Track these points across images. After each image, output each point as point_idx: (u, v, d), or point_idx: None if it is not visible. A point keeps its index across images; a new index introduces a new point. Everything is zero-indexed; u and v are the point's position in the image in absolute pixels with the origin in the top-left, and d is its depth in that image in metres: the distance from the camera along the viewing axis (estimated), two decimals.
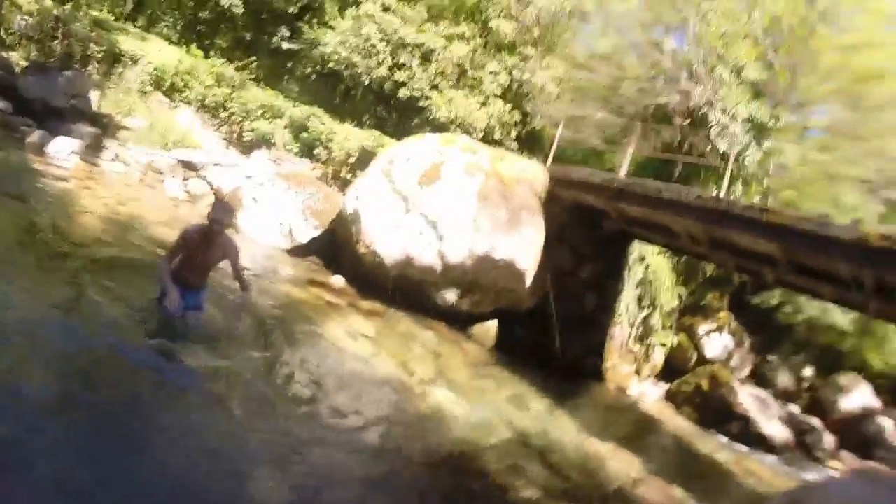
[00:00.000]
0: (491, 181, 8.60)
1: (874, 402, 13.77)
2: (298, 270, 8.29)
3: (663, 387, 12.00)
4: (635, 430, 8.49)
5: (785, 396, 14.05)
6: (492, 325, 8.94)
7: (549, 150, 10.69)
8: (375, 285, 8.14)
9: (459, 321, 8.56)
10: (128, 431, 3.22)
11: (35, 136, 9.75)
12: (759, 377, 14.21)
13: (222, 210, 4.28)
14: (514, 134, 13.07)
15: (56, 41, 14.00)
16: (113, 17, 16.92)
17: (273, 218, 9.10)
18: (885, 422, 13.09)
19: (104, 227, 6.76)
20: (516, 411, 6.47)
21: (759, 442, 10.43)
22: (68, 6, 15.69)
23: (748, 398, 11.31)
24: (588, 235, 9.93)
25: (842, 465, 11.44)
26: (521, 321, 9.10)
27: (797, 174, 13.62)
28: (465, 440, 5.09)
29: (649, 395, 11.38)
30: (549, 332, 9.46)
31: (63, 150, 9.55)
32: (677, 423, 10.24)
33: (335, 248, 8.93)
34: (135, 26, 17.56)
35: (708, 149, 11.82)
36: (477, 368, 7.45)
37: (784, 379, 14.73)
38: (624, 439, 7.36)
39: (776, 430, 10.95)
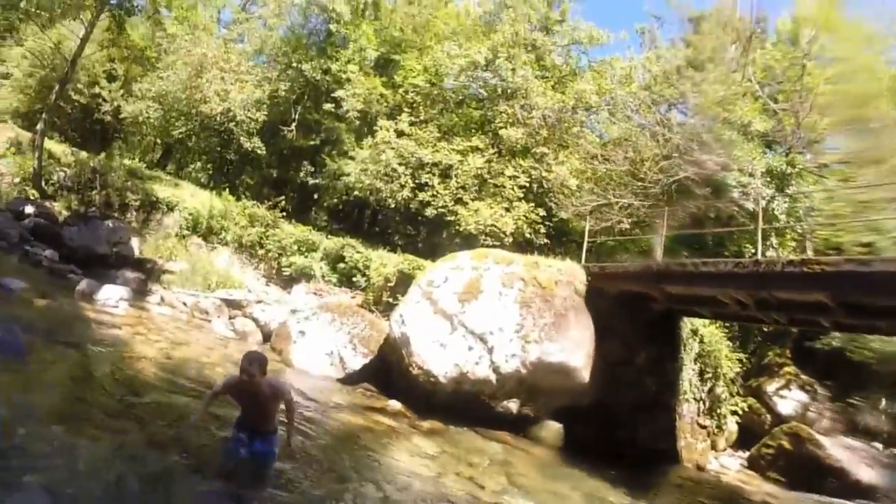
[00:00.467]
0: (530, 288, 8.72)
1: None
2: (354, 398, 8.33)
3: (743, 456, 11.36)
4: None
5: (880, 438, 12.99)
6: (558, 427, 8.76)
7: (581, 243, 10.72)
8: (432, 405, 8.11)
9: (522, 427, 8.42)
10: None
11: (83, 284, 10.10)
12: (845, 424, 13.22)
13: (248, 360, 4.24)
14: (542, 231, 13.21)
15: (94, 191, 14.87)
16: (144, 166, 18.00)
17: (321, 349, 9.26)
18: None
19: (159, 371, 6.93)
20: None
21: (860, 492, 9.66)
22: (102, 156, 16.75)
23: (837, 449, 10.55)
24: (637, 322, 9.86)
25: None
26: (585, 417, 8.87)
27: (828, 212, 13.41)
28: None
29: (730, 466, 10.78)
30: (616, 424, 9.16)
31: (112, 297, 9.89)
32: (765, 490, 9.65)
33: (386, 373, 8.98)
34: (165, 172, 18.58)
35: (735, 210, 11.81)
36: (547, 471, 7.28)
37: (872, 420, 13.59)
38: None
39: (877, 474, 10.12)
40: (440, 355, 8.21)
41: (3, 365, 5.31)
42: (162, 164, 20.69)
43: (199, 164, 19.95)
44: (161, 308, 10.72)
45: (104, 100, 19.62)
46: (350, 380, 9.01)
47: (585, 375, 8.59)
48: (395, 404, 8.21)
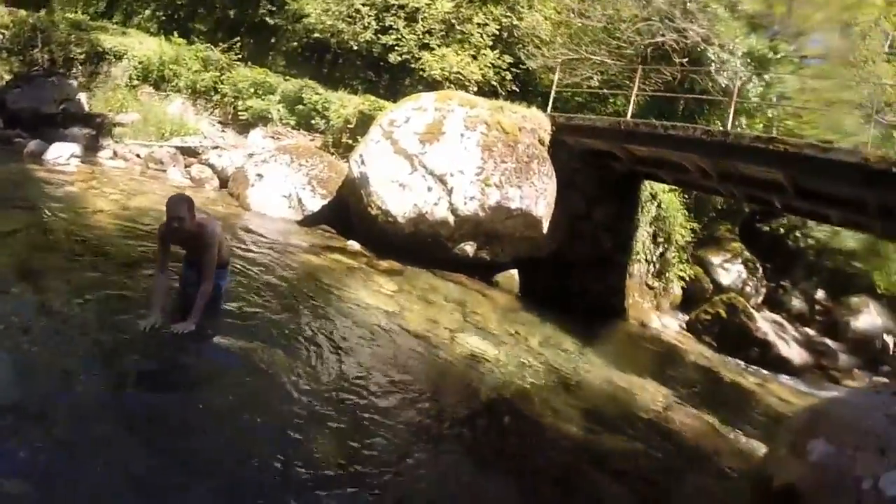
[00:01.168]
0: (493, 132, 8.56)
1: (884, 321, 14.06)
2: (313, 238, 8.33)
3: (683, 318, 12.10)
4: (660, 361, 8.60)
5: (799, 320, 14.37)
6: (515, 273, 8.99)
7: (548, 95, 10.52)
8: (391, 245, 8.17)
9: (481, 272, 8.59)
10: (179, 417, 3.26)
11: (31, 145, 9.80)
12: (773, 303, 14.45)
13: (175, 204, 3.92)
14: (509, 79, 12.84)
15: (36, 49, 13.84)
16: (88, 18, 16.64)
17: (279, 191, 9.10)
18: (891, 339, 13.59)
19: (116, 222, 6.78)
20: (547, 351, 6.56)
21: (778, 365, 10.59)
22: (42, 13, 15.44)
23: (765, 323, 11.51)
24: (599, 179, 9.93)
25: (857, 382, 11.66)
26: (542, 267, 9.12)
27: (798, 103, 13.59)
28: (500, 382, 5.15)
29: (670, 327, 11.48)
30: (570, 276, 9.52)
31: (62, 155, 9.57)
32: (699, 351, 10.34)
33: (346, 214, 8.94)
34: (112, 23, 17.27)
35: (709, 85, 11.69)
36: (504, 315, 7.50)
37: (797, 303, 15.06)
38: (650, 371, 7.52)
39: (794, 352, 11.16)
40: (399, 195, 8.15)
41: None
42: (107, 15, 19.11)
43: (147, 12, 18.48)
44: (114, 162, 10.49)
45: None
46: (309, 221, 8.97)
47: (545, 225, 8.72)
48: (353, 244, 8.25)
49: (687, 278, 12.57)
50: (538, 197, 8.54)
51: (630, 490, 4.08)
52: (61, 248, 5.52)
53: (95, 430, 2.94)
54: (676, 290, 12.43)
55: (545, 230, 8.80)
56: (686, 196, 12.78)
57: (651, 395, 6.42)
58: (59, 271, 4.82)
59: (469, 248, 8.45)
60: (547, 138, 9.12)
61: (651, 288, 11.65)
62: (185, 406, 3.40)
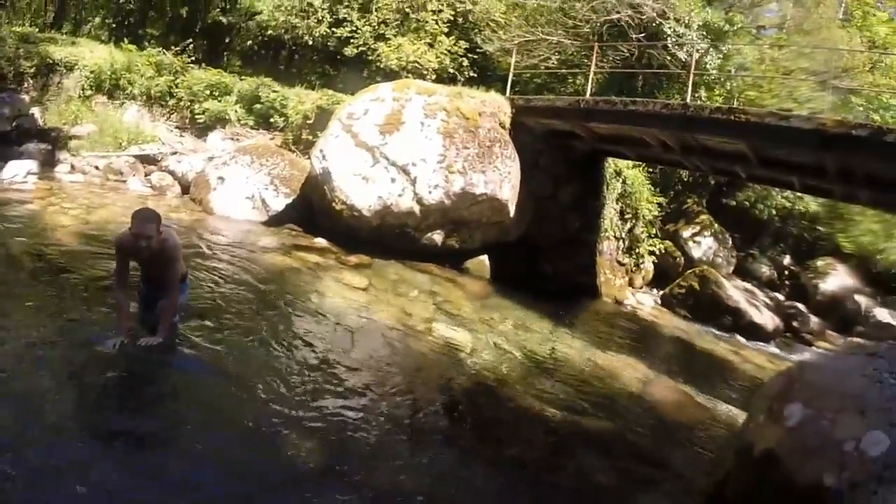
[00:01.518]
0: (453, 119, 8.51)
1: (851, 282, 14.37)
2: (279, 238, 8.23)
3: (657, 293, 12.24)
4: (636, 337, 8.65)
5: (769, 286, 14.79)
6: (485, 259, 9.01)
7: (506, 79, 10.54)
8: (358, 239, 8.12)
9: (450, 260, 8.59)
10: (153, 432, 3.21)
11: None
12: (743, 272, 14.75)
13: (142, 220, 3.70)
14: (466, 65, 12.79)
15: None
16: (36, 30, 16.21)
17: (242, 193, 8.97)
18: (861, 300, 13.81)
19: (78, 238, 6.62)
20: (522, 335, 6.57)
21: (751, 331, 10.83)
22: None
23: (736, 291, 11.77)
24: (562, 159, 9.97)
25: (829, 343, 11.96)
26: (512, 251, 9.15)
27: (756, 73, 13.82)
28: (477, 369, 5.13)
29: (645, 303, 11.60)
30: (540, 258, 9.56)
31: (18, 174, 9.33)
32: (675, 324, 10.49)
33: (311, 211, 8.85)
34: (61, 34, 16.87)
35: (667, 59, 11.79)
36: (476, 301, 7.49)
37: (766, 270, 15.48)
38: (627, 347, 7.60)
39: (765, 318, 11.39)
40: (363, 189, 8.08)
41: None
42: (56, 25, 18.66)
43: (97, 19, 18.15)
44: (72, 176, 10.27)
45: None
46: (274, 221, 8.88)
47: (511, 209, 8.72)
48: (321, 241, 8.18)
49: (658, 253, 12.69)
50: (502, 181, 8.53)
51: (615, 467, 4.10)
52: (23, 267, 5.39)
53: (70, 452, 2.88)
54: (648, 265, 12.55)
55: (512, 214, 8.81)
56: (651, 171, 12.89)
57: (630, 371, 6.46)
58: (20, 293, 4.70)
59: (437, 237, 8.42)
60: (508, 121, 9.10)
61: (622, 265, 11.75)
62: (158, 420, 3.37)
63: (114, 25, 17.35)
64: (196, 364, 3.95)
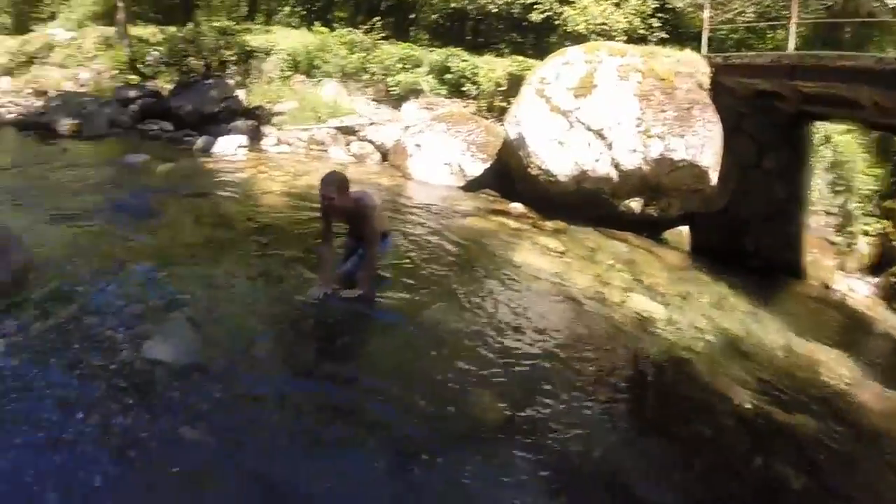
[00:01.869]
0: (648, 80, 8.16)
1: None
2: (476, 203, 8.47)
3: (874, 281, 10.78)
4: (845, 329, 7.61)
5: None
6: (684, 230, 8.60)
7: (700, 38, 9.82)
8: (554, 205, 8.11)
9: (648, 229, 8.31)
10: (348, 374, 3.51)
11: (200, 141, 10.67)
12: None
13: (325, 184, 4.10)
14: (656, 26, 12.15)
15: (190, 58, 15.33)
16: (233, 23, 18.08)
17: (439, 159, 9.34)
18: None
19: (285, 200, 7.27)
20: (719, 314, 6.10)
21: None
22: (189, 26, 17.00)
23: None
24: (766, 123, 9.05)
25: None
26: (713, 222, 8.61)
27: None
28: (671, 345, 4.91)
29: (857, 290, 10.24)
30: (743, 231, 8.88)
31: (229, 147, 10.30)
32: (893, 321, 9.14)
33: (507, 176, 8.97)
34: (255, 24, 18.64)
35: (876, 5, 10.30)
36: (674, 273, 7.14)
37: None
38: (833, 339, 6.56)
39: None
40: (559, 154, 8.04)
41: (139, 227, 5.76)
42: (250, 18, 20.71)
43: (286, 8, 19.75)
44: (278, 147, 11.17)
45: None
46: (471, 186, 9.14)
47: (713, 177, 8.20)
48: (517, 206, 8.31)
49: (875, 233, 11.18)
50: (703, 146, 8.03)
51: (805, 470, 3.71)
52: (236, 227, 6.12)
53: (272, 386, 3.27)
54: (863, 247, 11.10)
55: (713, 182, 8.26)
56: (867, 137, 11.35)
57: (833, 367, 5.64)
58: (235, 248, 5.37)
59: (635, 204, 8.18)
60: (706, 81, 8.50)
61: (832, 244, 10.53)
62: (353, 363, 3.67)
63: (303, 12, 18.83)
64: (392, 316, 4.21)
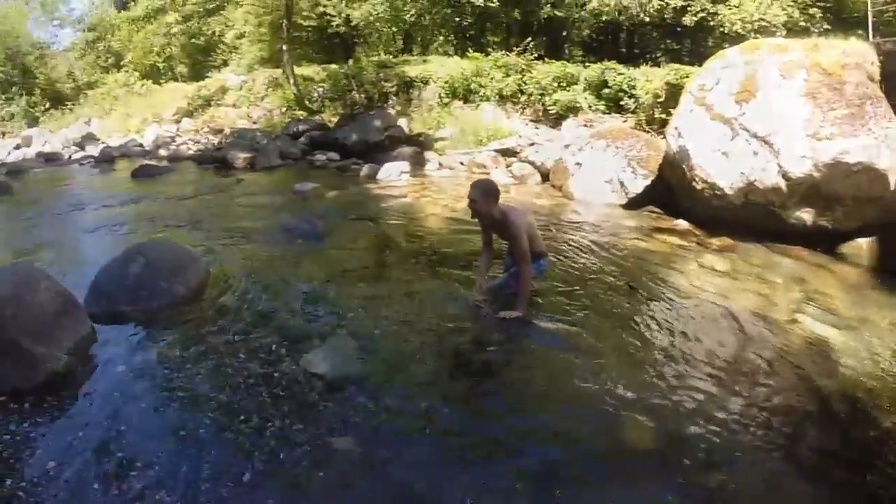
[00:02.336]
0: (813, 76, 7.70)
1: None
2: (639, 221, 8.47)
3: None
4: None
5: None
6: (864, 243, 7.71)
7: (866, 24, 9.12)
8: (721, 220, 7.94)
9: (822, 243, 7.67)
10: (500, 396, 3.70)
11: (365, 169, 11.72)
12: None
13: (471, 188, 4.44)
14: (818, 16, 11.48)
15: (353, 92, 16.95)
16: (391, 57, 19.51)
17: (600, 177, 9.45)
18: None
19: (445, 223, 7.72)
20: None
21: None
22: (350, 63, 18.62)
23: None
24: None
25: None
26: None
27: None
28: (845, 374, 4.39)
29: None
30: None
31: (393, 173, 11.11)
32: None
33: (670, 192, 8.88)
34: (412, 56, 19.93)
35: None
36: (851, 293, 6.43)
37: None
38: None
39: None
40: (723, 165, 7.88)
41: (307, 249, 6.46)
42: (406, 50, 22.00)
43: (440, 38, 20.89)
44: (440, 172, 11.88)
45: (331, 15, 21.31)
46: (633, 204, 9.12)
47: (892, 180, 7.59)
48: (682, 223, 8.23)
49: None
50: (879, 146, 7.42)
51: None
52: (399, 249, 6.62)
53: (421, 402, 3.46)
54: None
55: (893, 186, 7.60)
56: None
57: None
58: (398, 269, 5.88)
59: (806, 215, 7.74)
60: (876, 72, 7.86)
61: None
62: (504, 384, 3.81)
63: (456, 41, 19.89)
64: (549, 338, 4.29)
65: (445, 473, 2.92)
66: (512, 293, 4.66)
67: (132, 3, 26.90)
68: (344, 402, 3.44)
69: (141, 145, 17.70)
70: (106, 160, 15.66)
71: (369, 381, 3.66)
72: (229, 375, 3.72)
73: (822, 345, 4.91)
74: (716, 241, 7.53)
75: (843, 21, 11.38)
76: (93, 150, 17.41)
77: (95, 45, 30.43)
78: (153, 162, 14.50)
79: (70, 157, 16.90)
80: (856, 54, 8.10)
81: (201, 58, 28.33)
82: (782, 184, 7.67)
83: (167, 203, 9.68)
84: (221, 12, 24.47)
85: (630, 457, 3.14)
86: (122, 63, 29.68)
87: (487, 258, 4.95)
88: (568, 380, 3.84)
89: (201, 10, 22.76)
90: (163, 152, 16.39)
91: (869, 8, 9.05)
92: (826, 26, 11.24)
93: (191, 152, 16.16)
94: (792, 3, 11.60)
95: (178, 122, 20.13)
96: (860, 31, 9.27)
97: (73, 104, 25.88)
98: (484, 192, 4.46)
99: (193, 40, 27.23)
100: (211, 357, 3.96)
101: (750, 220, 7.88)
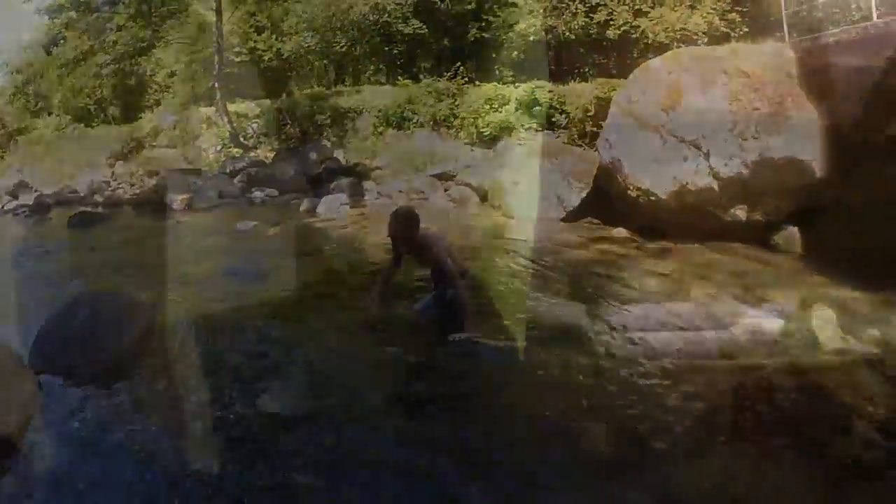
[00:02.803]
0: (734, 80, 7.99)
1: None
2: (579, 233, 8.60)
3: None
4: None
5: None
6: (795, 231, 7.91)
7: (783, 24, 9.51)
8: (657, 225, 8.09)
9: (756, 235, 7.85)
10: (455, 414, 3.69)
11: (305, 203, 11.63)
12: None
13: (391, 218, 4.48)
14: (737, 21, 11.94)
15: (287, 126, 16.78)
16: (324, 88, 19.43)
17: (538, 193, 9.60)
18: None
19: (388, 253, 7.36)
20: (840, 321, 5.23)
21: None
22: (283, 97, 18.49)
23: None
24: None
25: None
26: (825, 219, 8.16)
27: None
28: (790, 360, 4.43)
29: None
30: (858, 223, 8.37)
31: (332, 206, 11.09)
32: None
33: (606, 202, 9.05)
34: (345, 86, 19.91)
35: None
36: (786, 281, 6.58)
37: None
38: None
39: None
40: (655, 171, 8.05)
41: (251, 290, 6.35)
42: (339, 81, 22.00)
43: (371, 67, 20.98)
44: (379, 200, 11.91)
45: (262, 50, 21.27)
46: (571, 216, 9.29)
47: (817, 169, 7.90)
48: (620, 231, 8.35)
49: None
50: (802, 139, 7.67)
51: None
52: (342, 282, 6.61)
53: (379, 433, 3.47)
54: None
55: (818, 173, 7.85)
56: None
57: None
58: (342, 302, 5.85)
59: (740, 212, 7.93)
60: (793, 70, 8.08)
61: None
62: (459, 406, 3.78)
63: (387, 70, 19.96)
64: (498, 356, 4.34)
65: (410, 501, 2.92)
66: (437, 316, 4.72)
67: (62, 43, 26.07)
68: (301, 439, 3.40)
69: (76, 191, 17.26)
70: (41, 209, 15.32)
71: (324, 416, 3.65)
72: (183, 424, 3.62)
73: (763, 333, 4.97)
74: (654, 246, 7.65)
75: (762, 24, 11.85)
76: (27, 198, 16.95)
77: (24, 88, 29.16)
78: (89, 209, 14.10)
79: (3, 206, 16.52)
80: (773, 54, 8.41)
81: (133, 98, 27.62)
82: (714, 184, 7.84)
83: (106, 251, 9.42)
84: (153, 51, 24.06)
85: (592, 464, 3.18)
86: (51, 107, 28.52)
87: (394, 270, 5.07)
88: (522, 395, 3.87)
89: (132, 49, 22.20)
90: (98, 198, 16.08)
91: (783, 9, 9.40)
92: (745, 30, 11.65)
93: (127, 196, 15.92)
94: (712, 10, 12.04)
95: (112, 165, 19.73)
96: (778, 33, 9.60)
97: (4, 152, 24.73)
98: (406, 220, 4.49)
99: (125, 80, 26.54)
100: (163, 406, 3.87)
101: (687, 222, 8.00)
